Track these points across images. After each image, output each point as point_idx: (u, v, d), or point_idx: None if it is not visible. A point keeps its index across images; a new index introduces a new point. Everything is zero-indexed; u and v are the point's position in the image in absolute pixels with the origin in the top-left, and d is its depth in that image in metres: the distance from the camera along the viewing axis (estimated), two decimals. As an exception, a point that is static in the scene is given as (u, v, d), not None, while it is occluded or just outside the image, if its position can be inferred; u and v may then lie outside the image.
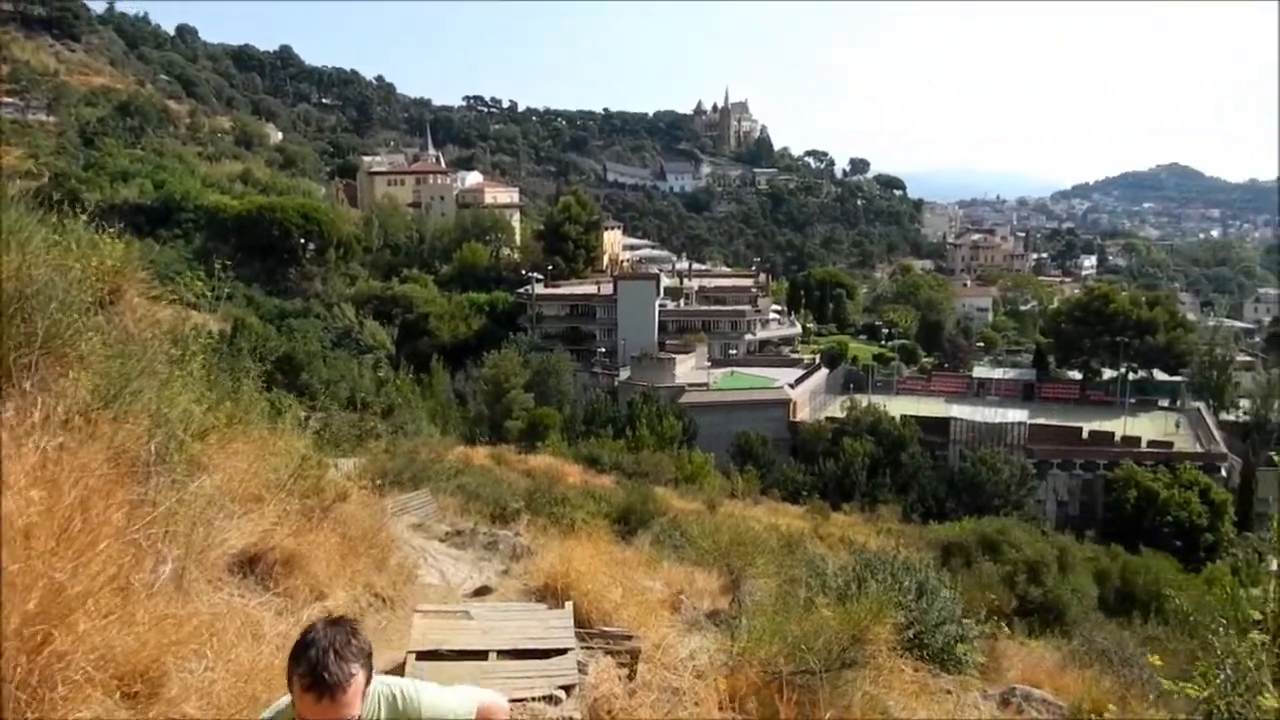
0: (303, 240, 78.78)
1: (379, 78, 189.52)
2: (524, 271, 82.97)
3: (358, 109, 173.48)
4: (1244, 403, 64.51)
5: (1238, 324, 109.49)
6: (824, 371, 68.73)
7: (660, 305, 76.72)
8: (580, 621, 7.06)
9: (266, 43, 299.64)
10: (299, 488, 7.05)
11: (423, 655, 6.09)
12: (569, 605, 7.23)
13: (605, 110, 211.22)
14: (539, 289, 79.46)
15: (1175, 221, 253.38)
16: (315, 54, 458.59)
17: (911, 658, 7.19)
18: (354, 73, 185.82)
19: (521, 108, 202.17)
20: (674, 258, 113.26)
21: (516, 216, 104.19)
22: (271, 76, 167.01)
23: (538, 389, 53.58)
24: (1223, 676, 3.69)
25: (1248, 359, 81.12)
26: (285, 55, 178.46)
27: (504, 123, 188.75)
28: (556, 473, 26.43)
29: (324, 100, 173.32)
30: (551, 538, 11.71)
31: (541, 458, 31.54)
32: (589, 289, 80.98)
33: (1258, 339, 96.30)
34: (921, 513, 40.26)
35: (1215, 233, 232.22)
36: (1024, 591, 19.61)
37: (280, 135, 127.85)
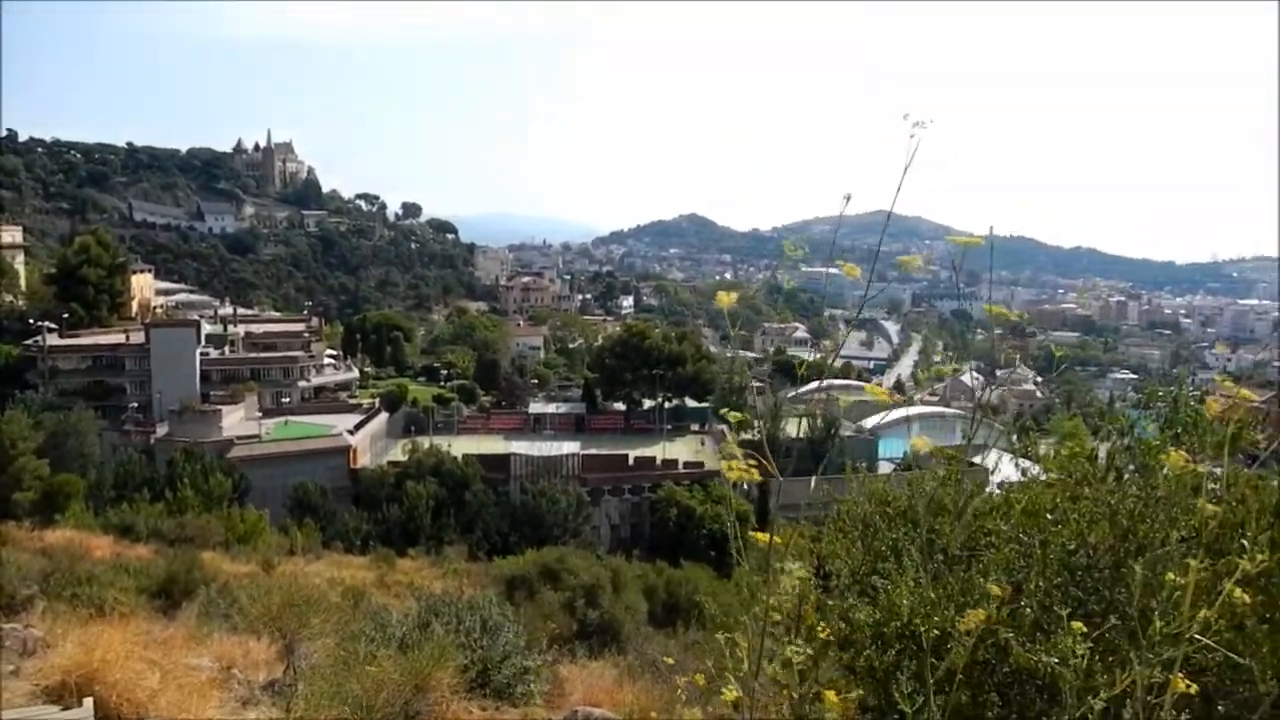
0: None
1: None
2: (32, 320, 72.24)
3: None
4: (758, 423, 73.55)
5: (750, 354, 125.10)
6: (384, 415, 67.56)
7: (202, 354, 70.85)
8: (107, 718, 6.15)
9: None
10: None
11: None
12: (88, 702, 6.26)
13: (129, 144, 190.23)
14: (52, 340, 69.64)
15: (696, 265, 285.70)
16: None
17: (478, 696, 7.13)
18: None
19: (24, 136, 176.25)
20: (216, 303, 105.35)
21: (21, 258, 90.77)
22: None
23: (54, 453, 46.80)
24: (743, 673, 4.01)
25: (759, 384, 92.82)
26: None
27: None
28: (81, 548, 23.07)
29: None
30: (74, 624, 10.12)
31: (62, 532, 27.46)
32: (116, 338, 72.47)
33: (765, 366, 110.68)
34: (487, 549, 40.82)
35: (728, 274, 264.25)
36: (583, 615, 20.50)
37: None
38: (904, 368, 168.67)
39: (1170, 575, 2.64)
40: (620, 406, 76.22)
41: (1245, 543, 2.82)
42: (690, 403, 73.80)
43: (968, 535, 4.19)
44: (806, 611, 3.79)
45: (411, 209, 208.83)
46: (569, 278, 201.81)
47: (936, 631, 3.33)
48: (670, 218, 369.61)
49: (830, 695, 3.05)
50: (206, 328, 77.29)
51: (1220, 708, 3.55)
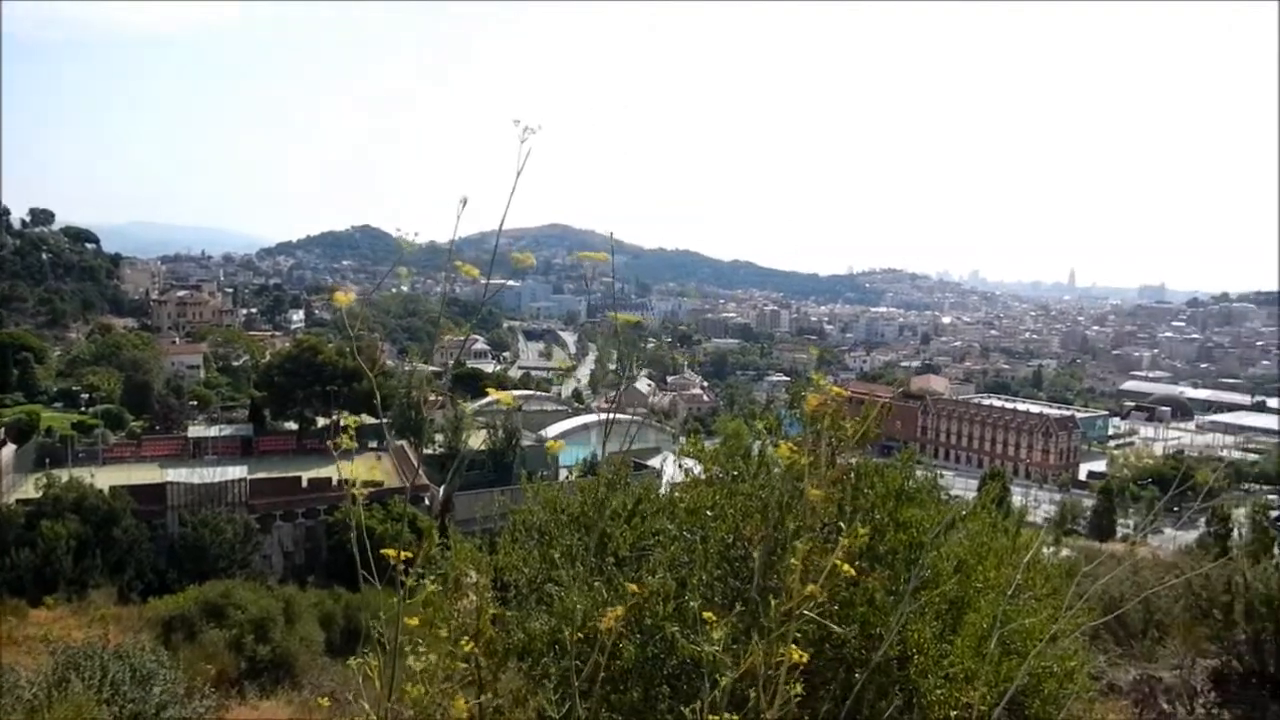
0: None
1: None
2: None
3: None
4: (439, 437, 72.69)
5: (429, 368, 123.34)
6: (11, 448, 59.54)
7: None
8: None
9: None
10: None
11: None
12: None
13: None
14: None
15: (371, 277, 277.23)
16: None
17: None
18: None
19: None
20: None
21: None
22: None
23: None
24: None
25: (439, 398, 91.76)
26: None
27: None
28: None
29: None
30: None
31: None
32: None
33: (445, 380, 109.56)
34: (141, 589, 37.18)
35: (405, 288, 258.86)
36: (253, 652, 19.22)
37: None
38: (582, 376, 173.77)
39: (792, 560, 2.88)
40: (292, 426, 72.50)
41: (850, 523, 3.17)
42: (368, 419, 71.46)
43: (637, 536, 4.39)
44: (483, 624, 3.79)
45: (41, 216, 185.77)
46: (232, 291, 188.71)
47: (605, 633, 3.44)
48: (342, 229, 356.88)
49: (459, 702, 3.06)
50: None
51: (857, 674, 3.96)
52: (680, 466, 5.29)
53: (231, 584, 26.73)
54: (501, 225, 2.87)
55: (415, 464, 62.40)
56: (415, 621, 3.48)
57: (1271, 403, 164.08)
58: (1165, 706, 9.61)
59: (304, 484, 54.92)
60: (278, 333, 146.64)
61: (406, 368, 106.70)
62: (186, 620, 21.30)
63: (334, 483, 55.62)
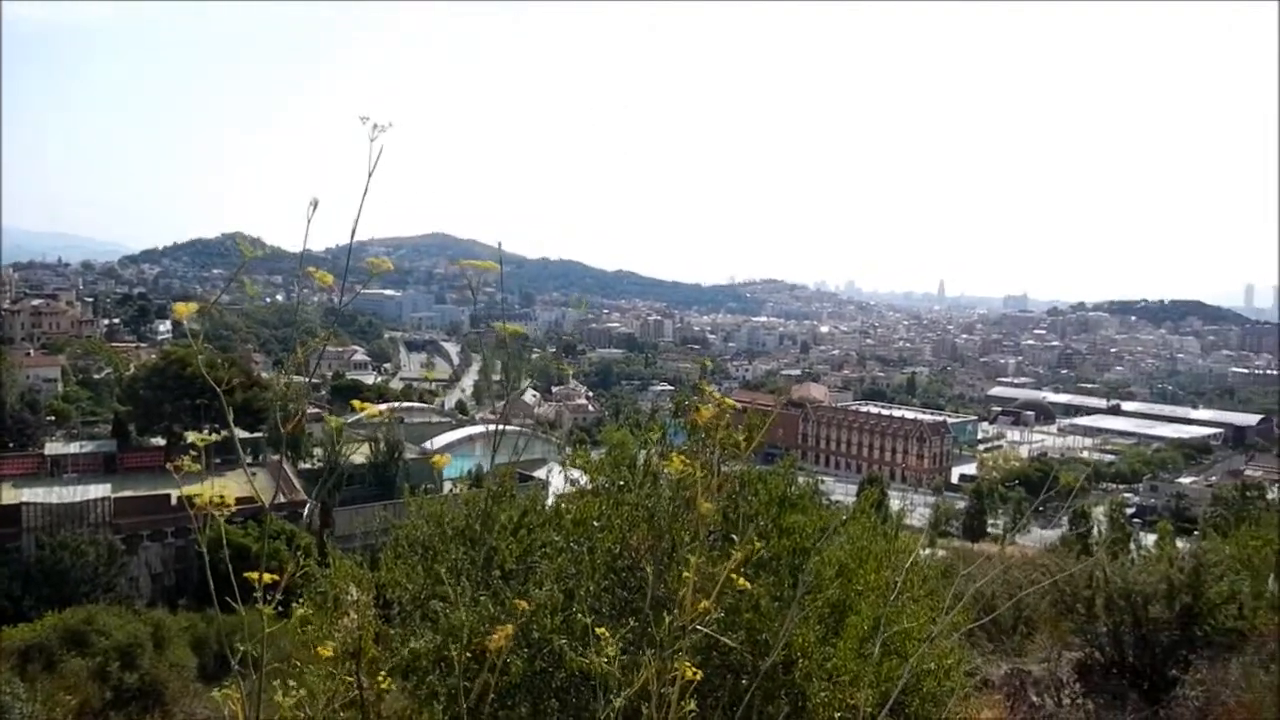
0: None
1: None
2: None
3: None
4: (317, 450, 70.61)
5: (307, 380, 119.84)
6: None
7: None
8: None
9: None
10: None
11: None
12: None
13: None
14: None
15: (244, 287, 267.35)
16: None
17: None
18: None
19: None
20: None
21: None
22: None
23: None
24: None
25: (317, 410, 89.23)
26: None
27: None
28: None
29: None
30: None
31: None
32: None
33: (324, 392, 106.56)
34: (-7, 619, 34.99)
35: (280, 297, 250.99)
36: (119, 680, 18.27)
37: None
38: (466, 387, 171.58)
39: (685, 573, 2.89)
40: (160, 441, 69.38)
41: (738, 532, 3.21)
42: (242, 433, 69.02)
43: (523, 549, 4.33)
44: (366, 643, 3.68)
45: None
46: (92, 300, 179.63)
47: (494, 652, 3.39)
48: (213, 236, 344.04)
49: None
50: None
51: (745, 681, 4.00)
52: (566, 477, 5.26)
53: (95, 609, 25.34)
54: (355, 227, 2.80)
55: (292, 478, 60.46)
56: (296, 642, 3.37)
57: (1126, 406, 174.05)
58: (1035, 699, 10.03)
59: (173, 501, 52.54)
60: (143, 344, 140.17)
61: (282, 380, 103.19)
62: (45, 649, 20.07)
63: (203, 502, 53.39)
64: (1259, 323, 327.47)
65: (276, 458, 65.36)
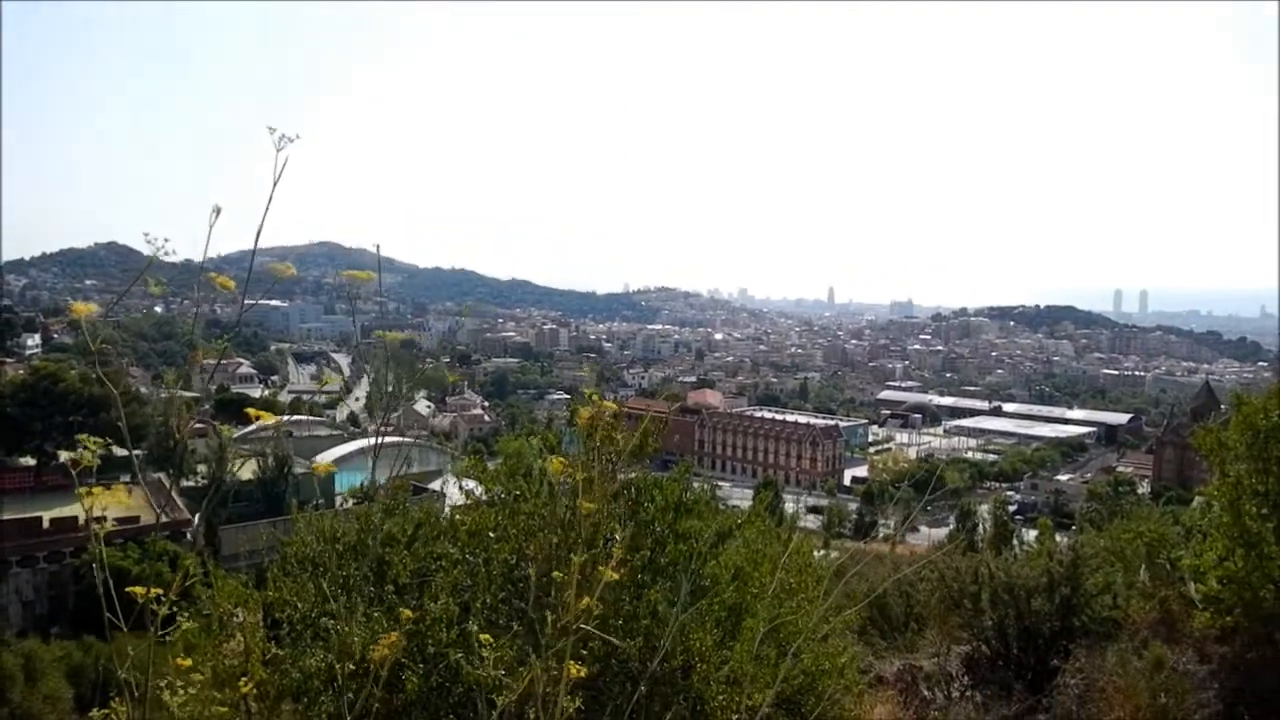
0: None
1: None
2: None
3: None
4: (201, 467, 68.02)
5: (188, 394, 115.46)
6: None
7: None
8: None
9: None
10: None
11: None
12: None
13: None
14: None
15: (119, 298, 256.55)
16: None
17: None
18: None
19: None
20: None
21: None
22: None
23: None
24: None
25: (200, 426, 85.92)
26: None
27: None
28: None
29: None
30: None
31: None
32: None
33: (208, 406, 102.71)
34: None
35: (159, 309, 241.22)
36: (-15, 715, 17.29)
37: None
38: (358, 399, 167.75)
39: (557, 573, 2.88)
40: (30, 461, 65.91)
41: (633, 536, 3.22)
42: (119, 450, 65.96)
43: (418, 562, 4.25)
44: (253, 665, 3.56)
45: None
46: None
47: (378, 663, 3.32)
48: (85, 245, 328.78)
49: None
50: None
51: (643, 686, 4.00)
52: (462, 488, 5.19)
53: (-43, 641, 23.94)
54: (258, 236, 2.72)
55: (174, 497, 58.11)
56: (179, 665, 3.23)
57: (1007, 407, 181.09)
58: (926, 693, 10.32)
59: (45, 524, 49.93)
60: (9, 359, 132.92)
61: (163, 394, 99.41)
62: (-99, 687, 18.88)
63: (80, 522, 50.96)
64: (1127, 326, 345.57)
65: (158, 476, 62.78)
